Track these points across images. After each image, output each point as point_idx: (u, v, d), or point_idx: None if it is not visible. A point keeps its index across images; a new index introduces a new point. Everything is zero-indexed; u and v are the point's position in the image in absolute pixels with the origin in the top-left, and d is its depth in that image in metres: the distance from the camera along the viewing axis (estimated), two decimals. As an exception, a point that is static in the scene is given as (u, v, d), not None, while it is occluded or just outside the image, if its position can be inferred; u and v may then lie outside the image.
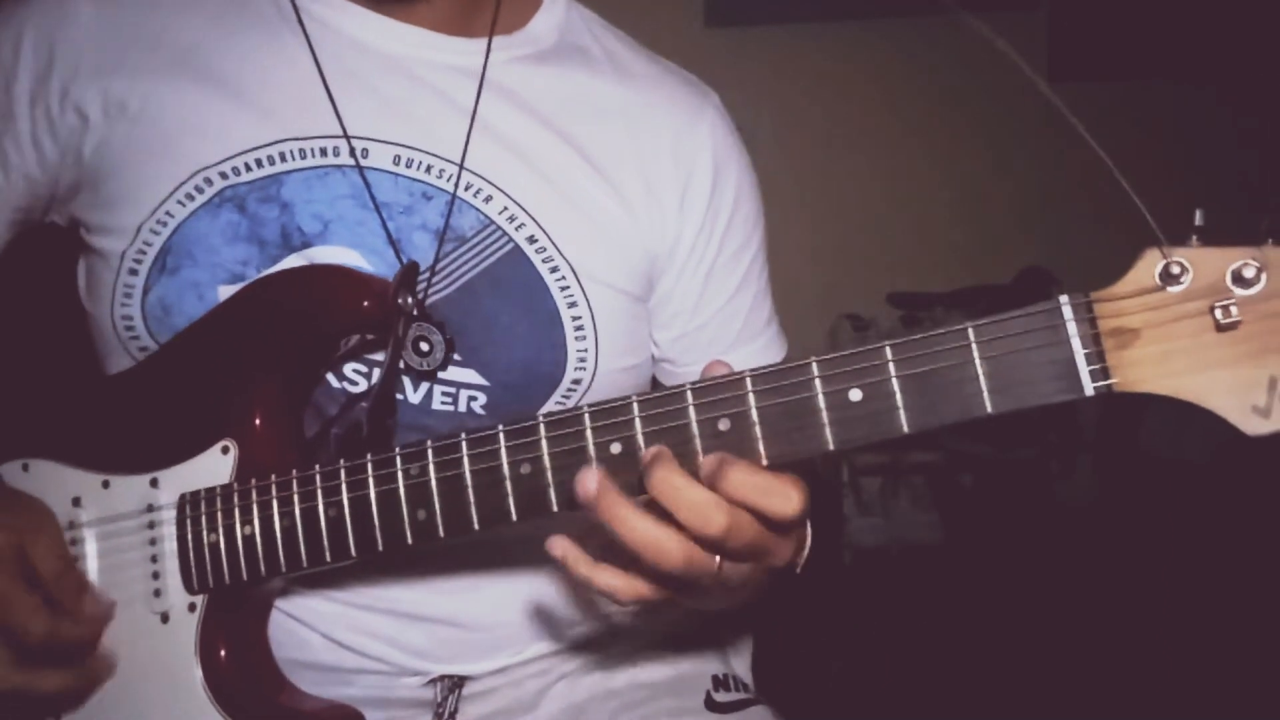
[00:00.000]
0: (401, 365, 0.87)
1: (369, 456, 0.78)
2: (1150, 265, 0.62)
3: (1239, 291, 0.60)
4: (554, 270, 0.91)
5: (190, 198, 0.87)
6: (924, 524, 2.66)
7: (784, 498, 0.65)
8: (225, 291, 0.86)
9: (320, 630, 0.94)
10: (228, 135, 0.87)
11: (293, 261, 0.87)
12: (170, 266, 0.87)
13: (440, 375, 0.89)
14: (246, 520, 0.81)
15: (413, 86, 0.91)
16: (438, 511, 0.75)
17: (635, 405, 0.69)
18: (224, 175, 0.87)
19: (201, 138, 0.87)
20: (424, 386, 0.89)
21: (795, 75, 2.87)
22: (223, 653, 0.83)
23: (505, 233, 0.90)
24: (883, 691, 2.29)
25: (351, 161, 0.89)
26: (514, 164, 0.91)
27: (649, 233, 0.95)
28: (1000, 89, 2.31)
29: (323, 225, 0.88)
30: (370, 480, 0.77)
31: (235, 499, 0.81)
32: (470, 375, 0.90)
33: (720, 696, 0.99)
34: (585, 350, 0.92)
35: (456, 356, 0.89)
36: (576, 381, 0.92)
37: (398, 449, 0.76)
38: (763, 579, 0.74)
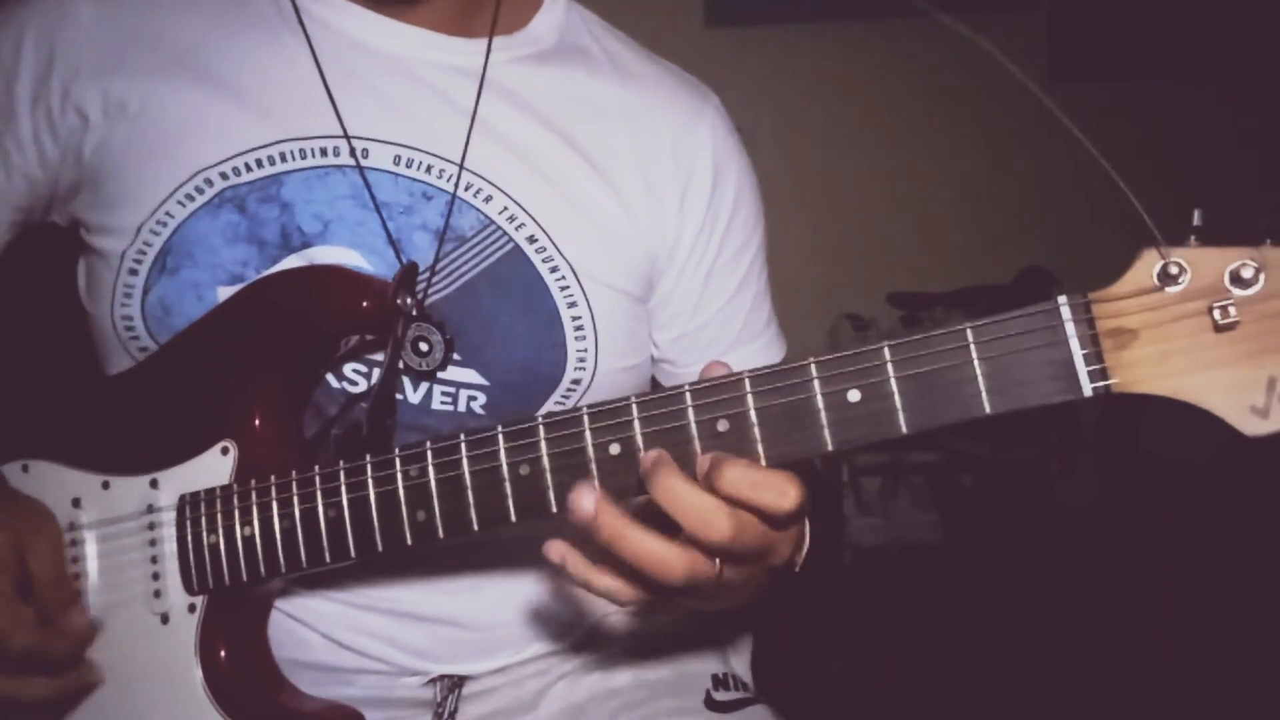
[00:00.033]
0: (401, 365, 0.87)
1: (368, 457, 0.78)
2: (1148, 265, 0.61)
3: (1237, 292, 0.60)
4: (554, 270, 0.91)
5: (190, 198, 0.87)
6: (924, 524, 2.66)
7: (780, 493, 0.65)
8: (225, 292, 0.86)
9: (320, 630, 0.94)
10: (228, 135, 0.87)
11: (292, 262, 0.87)
12: (170, 267, 0.87)
13: (440, 375, 0.89)
14: (246, 521, 0.81)
15: (413, 86, 0.91)
16: (437, 512, 0.75)
17: (634, 406, 0.69)
18: (224, 175, 0.87)
19: (201, 138, 0.87)
20: (424, 386, 0.89)
21: (795, 75, 2.88)
22: (223, 653, 0.83)
23: (505, 233, 0.90)
24: (883, 691, 2.29)
25: (351, 161, 0.89)
26: (514, 164, 0.91)
27: (649, 233, 0.95)
28: (1000, 89, 2.31)
29: (323, 225, 0.88)
30: (369, 481, 0.77)
31: (235, 500, 0.81)
32: (470, 375, 0.90)
33: (720, 696, 0.99)
34: (585, 350, 0.92)
35: (456, 356, 0.89)
36: (576, 382, 0.93)
37: (397, 450, 0.76)
38: (762, 578, 0.74)
